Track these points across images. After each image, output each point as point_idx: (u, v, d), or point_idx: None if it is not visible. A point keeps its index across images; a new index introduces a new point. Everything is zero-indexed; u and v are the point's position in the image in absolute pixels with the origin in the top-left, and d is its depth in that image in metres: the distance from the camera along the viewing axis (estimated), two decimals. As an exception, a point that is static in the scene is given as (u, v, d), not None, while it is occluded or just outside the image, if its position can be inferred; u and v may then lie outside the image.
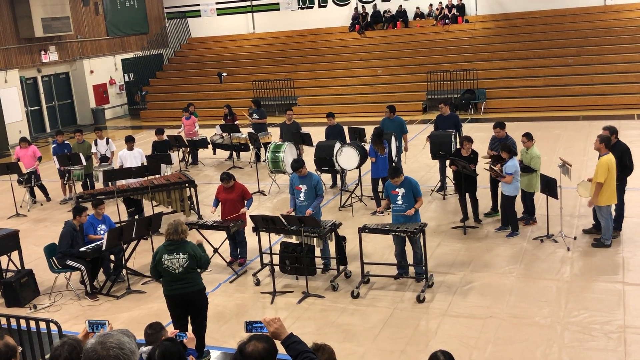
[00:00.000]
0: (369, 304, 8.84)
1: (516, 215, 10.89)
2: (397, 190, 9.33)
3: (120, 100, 28.68)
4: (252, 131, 16.50)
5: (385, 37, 27.00)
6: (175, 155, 16.11)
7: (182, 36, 31.36)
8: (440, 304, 8.66)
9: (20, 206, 14.81)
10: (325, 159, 13.19)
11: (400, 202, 9.33)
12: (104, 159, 15.13)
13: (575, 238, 10.42)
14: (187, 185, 12.61)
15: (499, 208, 11.37)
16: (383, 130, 12.62)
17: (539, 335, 7.67)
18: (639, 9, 24.30)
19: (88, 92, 26.86)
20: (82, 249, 9.80)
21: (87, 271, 9.69)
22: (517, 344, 7.53)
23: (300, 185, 9.99)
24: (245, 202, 10.41)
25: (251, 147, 16.41)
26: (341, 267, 9.68)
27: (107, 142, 15.28)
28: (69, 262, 9.70)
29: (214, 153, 18.37)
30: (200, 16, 31.03)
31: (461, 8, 26.30)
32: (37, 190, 15.30)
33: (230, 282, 9.94)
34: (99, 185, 14.42)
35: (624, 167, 10.08)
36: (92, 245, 9.89)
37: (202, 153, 18.07)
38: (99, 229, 10.26)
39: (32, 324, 7.47)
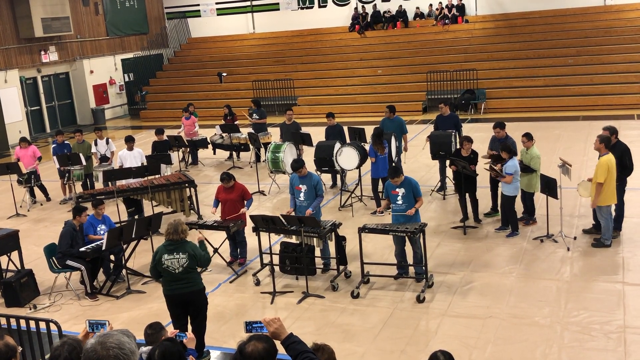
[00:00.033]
0: (368, 304, 8.84)
1: (516, 215, 10.89)
2: (397, 190, 9.33)
3: (120, 100, 28.69)
4: (252, 131, 16.50)
5: (385, 37, 27.00)
6: (175, 156, 16.11)
7: (182, 36, 31.36)
8: (440, 304, 8.66)
9: (20, 206, 14.81)
10: (325, 159, 13.19)
11: (400, 202, 9.33)
12: (103, 159, 15.13)
13: (575, 238, 10.42)
14: (187, 185, 12.61)
15: (498, 208, 11.37)
16: (383, 131, 12.63)
17: (538, 335, 7.68)
18: (639, 9, 24.30)
19: (88, 92, 26.86)
20: (82, 249, 9.80)
21: (87, 271, 9.69)
22: (516, 344, 7.53)
23: (300, 185, 9.99)
24: (245, 202, 10.41)
25: (251, 147, 16.41)
26: (341, 267, 9.69)
27: (107, 142, 15.28)
28: (69, 262, 9.70)
29: (214, 153, 18.37)
30: (200, 16, 31.03)
31: (461, 8, 26.30)
32: (37, 190, 15.30)
33: (230, 282, 9.94)
34: (98, 185, 14.43)
35: (624, 167, 10.08)
36: (92, 245, 9.89)
37: (202, 153, 18.07)
38: (98, 229, 10.26)
39: (32, 324, 7.47)
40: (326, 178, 14.28)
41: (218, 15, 30.76)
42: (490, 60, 24.08)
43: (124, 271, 10.05)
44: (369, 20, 27.57)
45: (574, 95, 21.61)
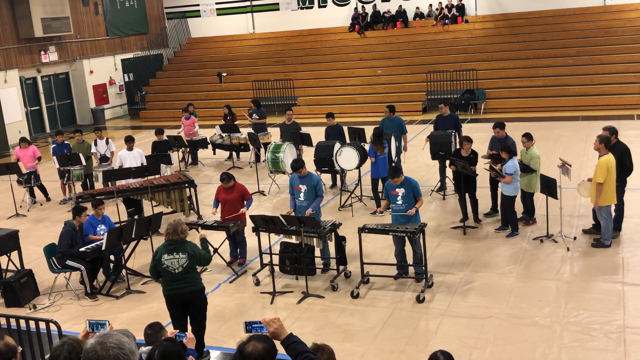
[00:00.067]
0: (368, 304, 8.84)
1: (516, 215, 10.89)
2: (397, 190, 9.33)
3: (120, 100, 28.68)
4: (252, 131, 16.50)
5: (385, 37, 27.00)
6: (175, 156, 16.11)
7: (182, 36, 31.36)
8: (439, 304, 8.66)
9: (20, 206, 14.81)
10: (325, 159, 13.19)
11: (400, 202, 9.33)
12: (103, 159, 15.13)
13: (574, 238, 10.43)
14: (186, 185, 12.61)
15: (498, 208, 11.38)
16: (383, 131, 12.63)
17: (538, 335, 7.68)
18: (639, 9, 24.31)
19: (88, 92, 26.85)
20: (82, 249, 9.80)
21: (87, 271, 9.69)
22: (516, 344, 7.53)
23: (300, 186, 9.99)
24: (245, 202, 10.41)
25: (251, 147, 16.41)
26: (341, 267, 9.69)
27: (107, 142, 15.28)
28: (69, 262, 9.70)
29: (214, 153, 18.37)
30: (200, 16, 31.03)
31: (461, 8, 26.30)
32: (36, 191, 15.30)
33: (230, 282, 9.94)
34: (98, 185, 14.43)
35: (624, 167, 10.09)
36: (92, 245, 9.89)
37: (201, 153, 18.07)
38: (98, 229, 10.26)
39: (32, 324, 7.47)
40: (326, 178, 14.29)
41: (218, 15, 30.76)
42: (490, 60, 24.08)
43: (123, 271, 10.04)
44: (368, 20, 27.57)
45: (573, 95, 21.62)
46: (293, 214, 9.82)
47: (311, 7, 29.05)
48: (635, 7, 24.37)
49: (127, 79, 28.96)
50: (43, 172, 16.30)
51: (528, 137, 10.92)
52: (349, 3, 28.34)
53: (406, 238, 9.30)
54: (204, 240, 7.82)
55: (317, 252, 10.01)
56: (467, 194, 11.40)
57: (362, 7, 27.86)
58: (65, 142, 15.27)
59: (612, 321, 7.85)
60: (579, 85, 21.95)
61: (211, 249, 9.84)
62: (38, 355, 7.48)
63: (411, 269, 9.60)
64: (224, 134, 17.49)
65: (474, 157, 11.37)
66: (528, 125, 17.96)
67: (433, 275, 9.39)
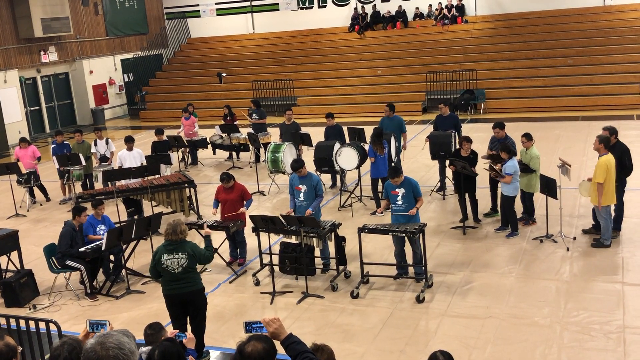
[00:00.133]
0: (368, 304, 8.84)
1: (516, 215, 10.89)
2: (397, 190, 9.33)
3: (119, 100, 28.68)
4: (252, 131, 16.50)
5: (385, 38, 27.00)
6: (175, 156, 16.11)
7: (182, 36, 31.36)
8: (439, 304, 8.66)
9: (20, 206, 14.81)
10: (324, 159, 13.19)
11: (400, 202, 9.34)
12: (103, 159, 15.13)
13: (574, 238, 10.43)
14: (186, 185, 12.61)
15: (498, 208, 11.38)
16: (382, 131, 12.63)
17: (538, 335, 7.68)
18: (638, 10, 24.31)
19: (87, 92, 26.85)
20: (82, 249, 9.80)
21: (87, 271, 9.69)
22: (516, 344, 7.53)
23: (300, 186, 9.99)
24: (245, 202, 10.41)
25: (251, 147, 16.42)
26: (341, 267, 9.69)
27: (107, 143, 15.29)
28: (69, 262, 9.70)
29: (214, 153, 18.37)
30: (199, 16, 31.03)
31: (461, 8, 26.30)
32: (36, 191, 15.30)
33: (230, 282, 9.94)
34: (98, 185, 14.43)
35: (624, 167, 10.09)
36: (92, 245, 9.89)
37: (201, 153, 18.07)
38: (98, 229, 10.26)
39: (32, 324, 7.47)
40: (326, 178, 14.29)
41: (218, 15, 30.76)
42: (489, 60, 24.08)
43: (123, 271, 10.04)
44: (368, 20, 27.57)
45: (573, 95, 21.62)
46: (293, 214, 9.82)
47: (311, 8, 29.06)
48: (635, 7, 24.38)
49: (127, 79, 28.97)
50: (43, 172, 16.30)
51: (528, 137, 10.93)
52: (348, 3, 28.34)
53: (406, 238, 9.31)
54: (208, 238, 7.82)
55: (317, 252, 10.01)
56: (466, 194, 11.40)
57: (362, 7, 27.86)
58: (65, 142, 15.27)
59: (611, 321, 7.85)
60: (579, 85, 21.96)
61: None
62: (38, 355, 7.48)
63: (411, 269, 9.60)
64: (223, 134, 17.50)
65: (473, 157, 11.37)
66: (528, 126, 17.97)
67: (433, 275, 9.39)
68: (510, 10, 26.08)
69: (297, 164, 10.03)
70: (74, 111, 27.11)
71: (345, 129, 14.28)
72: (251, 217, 9.53)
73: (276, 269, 9.78)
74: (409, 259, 9.54)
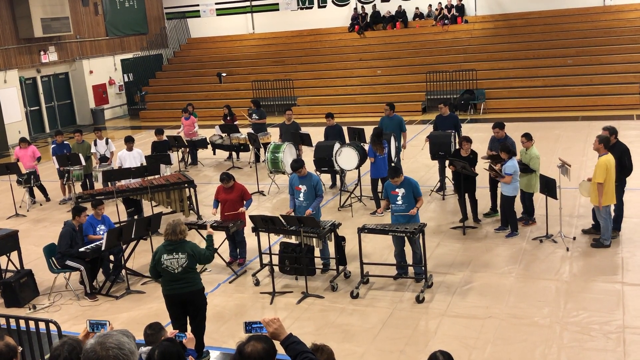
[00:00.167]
0: (368, 304, 8.84)
1: (515, 215, 10.90)
2: (397, 190, 9.34)
3: (119, 100, 28.68)
4: (252, 131, 16.50)
5: (385, 38, 27.01)
6: (175, 156, 16.12)
7: (182, 36, 31.36)
8: (439, 304, 8.66)
9: (20, 206, 14.81)
10: (324, 159, 13.20)
11: (400, 202, 9.34)
12: (103, 159, 15.13)
13: (574, 238, 10.43)
14: (186, 185, 12.61)
15: (498, 208, 11.38)
16: (382, 131, 12.63)
17: (538, 335, 7.68)
18: (638, 10, 24.32)
19: (87, 92, 26.85)
20: (82, 249, 9.80)
21: (87, 271, 9.69)
22: (516, 344, 7.53)
23: (300, 186, 10.00)
24: (245, 202, 10.41)
25: (250, 147, 16.42)
26: (340, 268, 9.69)
27: (107, 143, 15.29)
28: (68, 263, 9.70)
29: (214, 153, 18.37)
30: (199, 16, 31.03)
31: (460, 8, 26.31)
32: (36, 191, 15.30)
33: (230, 282, 9.94)
34: (98, 185, 14.43)
35: (623, 167, 10.09)
36: (92, 245, 9.89)
37: (201, 153, 18.07)
38: (98, 229, 10.26)
39: (32, 324, 7.47)
40: (325, 178, 14.28)
41: (218, 15, 30.76)
42: (489, 60, 24.09)
43: (123, 271, 10.04)
44: (368, 20, 27.58)
45: (573, 95, 21.62)
46: (293, 214, 9.82)
47: (311, 8, 29.06)
48: (635, 7, 24.38)
49: (126, 79, 28.97)
50: (43, 172, 16.30)
51: (528, 137, 10.93)
52: (348, 3, 28.34)
53: (406, 238, 9.31)
54: (209, 238, 7.82)
55: (317, 252, 10.01)
56: (466, 194, 11.41)
57: (362, 7, 27.86)
58: (65, 142, 15.28)
59: (611, 321, 7.85)
60: (578, 85, 21.96)
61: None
62: (38, 356, 7.49)
63: (411, 269, 9.60)
64: (223, 134, 17.50)
65: (473, 157, 11.37)
66: (528, 126, 17.97)
67: (432, 275, 9.39)
68: (510, 10, 26.08)
69: (297, 164, 10.03)
70: (73, 111, 27.11)
71: (345, 129, 14.28)
72: (251, 217, 9.53)
73: (276, 269, 9.78)
74: (409, 259, 9.54)
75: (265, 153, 15.13)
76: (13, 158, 16.10)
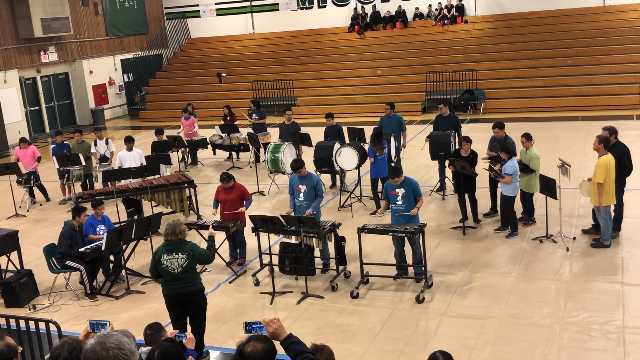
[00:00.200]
0: (368, 304, 8.85)
1: (515, 215, 10.90)
2: (397, 190, 9.34)
3: (119, 100, 28.68)
4: (252, 131, 16.51)
5: (385, 38, 27.01)
6: (175, 156, 16.12)
7: (182, 36, 31.36)
8: (439, 304, 8.66)
9: (20, 206, 14.81)
10: (324, 160, 13.20)
11: (400, 202, 9.34)
12: (103, 159, 15.13)
13: (574, 238, 10.43)
14: (186, 185, 12.61)
15: (498, 208, 11.38)
16: (382, 131, 12.63)
17: (538, 335, 7.68)
18: (638, 10, 24.32)
19: (87, 92, 26.85)
20: (82, 249, 9.80)
21: (87, 271, 9.69)
22: (516, 344, 7.54)
23: (300, 186, 10.00)
24: (245, 202, 10.41)
25: (250, 147, 16.42)
26: (340, 268, 9.69)
27: (107, 143, 15.29)
28: (68, 263, 9.70)
29: (214, 153, 18.36)
30: (199, 16, 31.03)
31: (460, 8, 26.31)
32: (36, 191, 15.30)
33: (230, 282, 9.94)
34: (98, 185, 14.44)
35: (623, 167, 10.09)
36: (92, 245, 9.89)
37: (201, 153, 18.07)
38: (98, 229, 10.26)
39: (32, 324, 7.47)
40: (325, 178, 14.29)
41: (217, 15, 30.76)
42: (489, 60, 24.09)
43: (123, 271, 10.05)
44: (368, 20, 27.58)
45: (573, 95, 21.62)
46: (293, 214, 9.82)
47: (311, 8, 29.06)
48: (635, 7, 24.38)
49: (126, 79, 28.97)
50: (43, 173, 16.30)
51: (527, 137, 10.93)
52: (348, 3, 28.35)
53: (406, 238, 9.31)
54: (211, 239, 7.82)
55: (317, 253, 10.02)
56: (466, 194, 11.41)
57: (362, 7, 27.86)
58: (65, 142, 15.28)
59: (611, 321, 7.85)
60: (578, 85, 21.96)
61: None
62: (38, 356, 7.49)
63: (411, 269, 9.60)
64: (223, 134, 17.50)
65: (473, 158, 11.38)
66: (527, 126, 17.97)
67: (432, 275, 9.40)
68: (510, 10, 26.08)
69: (297, 164, 10.03)
70: (73, 111, 27.11)
71: (345, 129, 14.28)
72: (251, 217, 9.53)
73: (276, 269, 9.78)
74: (409, 259, 9.54)
75: (265, 153, 15.13)
76: (13, 158, 16.10)
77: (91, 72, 26.94)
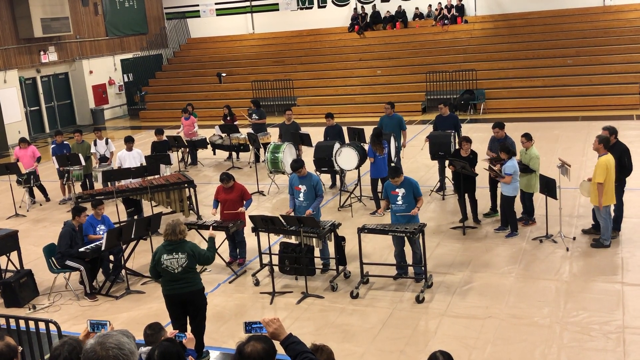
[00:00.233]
0: (368, 304, 8.84)
1: (515, 215, 10.90)
2: (397, 190, 9.34)
3: (119, 100, 28.68)
4: (252, 131, 16.51)
5: (385, 38, 27.01)
6: (175, 156, 16.12)
7: (182, 36, 31.36)
8: (439, 304, 8.66)
9: (20, 206, 14.81)
10: (324, 160, 13.20)
11: (400, 202, 9.34)
12: (103, 159, 15.13)
13: (574, 238, 10.43)
14: (186, 185, 12.61)
15: (498, 208, 11.38)
16: (382, 131, 12.63)
17: (538, 335, 7.68)
18: (638, 10, 24.32)
19: (87, 92, 26.85)
20: (82, 249, 9.80)
21: (86, 271, 9.69)
22: (516, 344, 7.54)
23: (300, 186, 10.00)
24: (245, 202, 10.41)
25: (250, 147, 16.42)
26: (340, 268, 9.69)
27: (107, 143, 15.29)
28: (68, 263, 9.70)
29: (214, 153, 18.36)
30: (199, 16, 31.03)
31: (460, 8, 26.31)
32: (36, 191, 15.30)
33: (230, 282, 9.94)
34: (98, 185, 14.44)
35: (623, 167, 10.09)
36: (92, 245, 9.89)
37: (201, 153, 18.07)
38: (98, 229, 10.26)
39: (32, 324, 7.47)
40: (325, 178, 14.28)
41: (217, 15, 30.76)
42: (489, 60, 24.09)
43: (123, 271, 10.04)
44: (368, 20, 27.58)
45: (573, 95, 21.63)
46: (292, 214, 9.82)
47: (311, 8, 29.06)
48: (635, 7, 24.39)
49: (126, 79, 28.97)
50: (42, 173, 16.30)
51: (527, 137, 10.93)
52: (348, 3, 28.35)
53: (405, 238, 9.31)
54: (211, 239, 7.82)
55: (317, 252, 10.01)
56: (466, 194, 11.41)
57: (362, 7, 27.87)
58: (65, 142, 15.28)
59: (611, 321, 7.85)
60: (578, 85, 21.96)
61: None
62: (38, 356, 7.49)
63: (411, 269, 9.60)
64: (223, 134, 17.50)
65: (473, 158, 11.37)
66: (527, 126, 17.97)
67: (432, 275, 9.39)
68: (510, 10, 26.09)
69: (297, 164, 10.03)
70: (73, 111, 27.11)
71: (345, 129, 14.28)
72: (251, 217, 9.53)
73: (276, 269, 9.78)
74: (409, 259, 9.54)
75: (265, 153, 15.13)
76: (13, 158, 16.09)
77: (91, 72, 26.94)
